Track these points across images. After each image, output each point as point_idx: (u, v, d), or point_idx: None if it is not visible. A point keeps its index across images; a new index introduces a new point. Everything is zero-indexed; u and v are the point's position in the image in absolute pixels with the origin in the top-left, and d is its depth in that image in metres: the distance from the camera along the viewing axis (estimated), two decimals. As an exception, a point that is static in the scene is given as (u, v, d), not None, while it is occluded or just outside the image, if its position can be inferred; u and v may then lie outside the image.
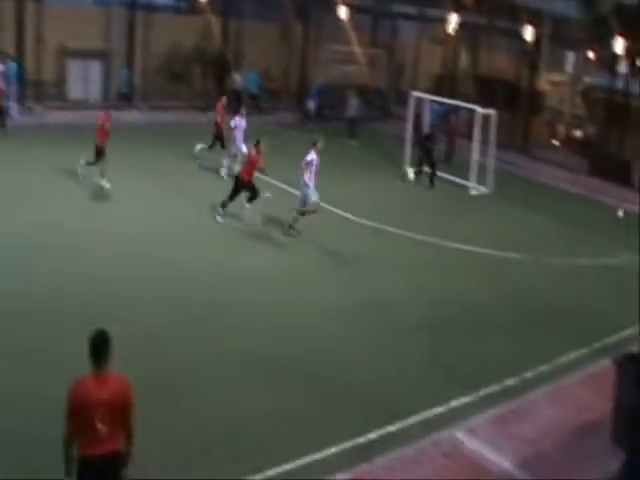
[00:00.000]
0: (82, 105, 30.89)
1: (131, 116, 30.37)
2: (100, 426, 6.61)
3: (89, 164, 20.07)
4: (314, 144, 17.76)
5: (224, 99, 24.27)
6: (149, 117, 30.51)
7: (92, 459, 6.66)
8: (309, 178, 17.61)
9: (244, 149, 22.00)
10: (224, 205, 18.42)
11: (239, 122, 22.68)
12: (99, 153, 19.73)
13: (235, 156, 22.52)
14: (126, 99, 32.86)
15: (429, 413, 10.48)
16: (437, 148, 25.59)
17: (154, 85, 34.47)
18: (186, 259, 15.79)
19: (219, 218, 18.41)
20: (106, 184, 19.56)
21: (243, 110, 23.10)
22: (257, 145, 18.45)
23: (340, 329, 13.14)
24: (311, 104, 33.87)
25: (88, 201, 19.20)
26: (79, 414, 6.60)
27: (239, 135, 22.58)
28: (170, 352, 11.62)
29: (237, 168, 21.25)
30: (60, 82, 32.41)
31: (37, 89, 31.05)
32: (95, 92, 33.36)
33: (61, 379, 7.23)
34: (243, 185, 18.37)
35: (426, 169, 24.95)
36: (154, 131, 28.70)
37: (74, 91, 31.98)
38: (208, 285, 14.61)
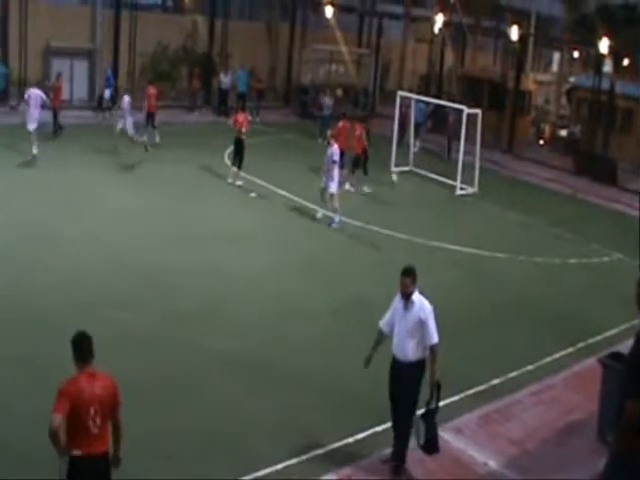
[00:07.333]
0: (67, 105, 30.65)
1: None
2: (92, 423, 6.58)
3: None
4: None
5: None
6: (134, 117, 30.32)
7: (84, 458, 6.59)
8: None
9: None
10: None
11: None
12: None
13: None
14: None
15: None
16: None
17: (140, 85, 34.27)
18: (162, 261, 15.58)
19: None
20: None
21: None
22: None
23: (324, 329, 13.16)
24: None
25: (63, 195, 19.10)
26: (73, 410, 6.50)
27: None
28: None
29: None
30: (45, 81, 32.16)
31: (21, 88, 30.80)
32: (81, 92, 33.30)
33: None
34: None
35: None
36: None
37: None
38: (187, 285, 14.49)
